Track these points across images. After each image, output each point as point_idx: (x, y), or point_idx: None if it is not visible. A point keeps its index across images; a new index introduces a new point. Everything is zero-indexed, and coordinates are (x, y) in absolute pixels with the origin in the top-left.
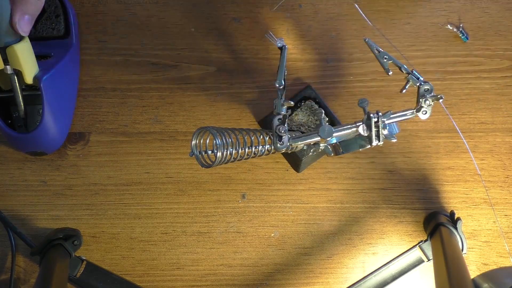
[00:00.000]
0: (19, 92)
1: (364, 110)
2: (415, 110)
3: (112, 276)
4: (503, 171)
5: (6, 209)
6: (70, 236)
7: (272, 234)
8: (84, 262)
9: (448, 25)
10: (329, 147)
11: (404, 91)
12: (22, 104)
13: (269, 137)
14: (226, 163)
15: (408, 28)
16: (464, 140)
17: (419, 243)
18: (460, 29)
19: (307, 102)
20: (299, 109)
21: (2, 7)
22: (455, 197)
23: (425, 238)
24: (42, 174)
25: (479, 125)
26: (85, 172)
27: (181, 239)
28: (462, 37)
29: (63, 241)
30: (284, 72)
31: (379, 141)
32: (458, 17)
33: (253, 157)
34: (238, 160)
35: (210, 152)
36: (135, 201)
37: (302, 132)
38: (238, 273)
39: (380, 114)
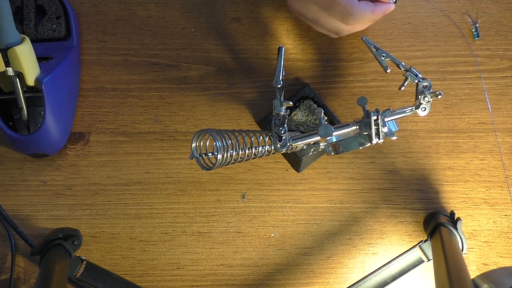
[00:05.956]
0: (21, 94)
1: (363, 109)
2: (414, 107)
3: (112, 276)
4: (503, 171)
5: (6, 209)
6: (70, 236)
7: (272, 234)
8: (84, 262)
9: (467, 16)
10: (329, 146)
11: (402, 88)
12: (24, 106)
13: (269, 138)
14: (226, 165)
15: (408, 28)
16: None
17: (419, 243)
18: (477, 25)
19: (305, 101)
20: (297, 109)
21: (2, 8)
22: (455, 197)
23: (425, 238)
24: (42, 174)
25: (479, 125)
26: (85, 172)
27: (181, 239)
28: (474, 33)
29: (63, 241)
30: (282, 72)
31: (379, 139)
32: (476, 14)
33: (253, 158)
34: (238, 162)
35: (211, 154)
36: (135, 201)
37: (302, 132)
38: (238, 273)
39: (379, 112)
